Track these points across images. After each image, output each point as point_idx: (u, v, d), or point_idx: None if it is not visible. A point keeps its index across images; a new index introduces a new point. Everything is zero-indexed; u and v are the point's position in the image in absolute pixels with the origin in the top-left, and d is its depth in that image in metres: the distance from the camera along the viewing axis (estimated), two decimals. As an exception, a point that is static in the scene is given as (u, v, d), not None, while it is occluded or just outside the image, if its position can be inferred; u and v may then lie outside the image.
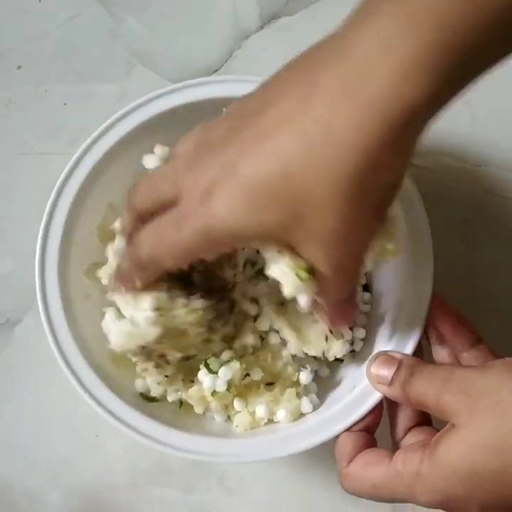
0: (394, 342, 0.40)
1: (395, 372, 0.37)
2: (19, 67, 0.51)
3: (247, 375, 0.42)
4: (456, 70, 0.25)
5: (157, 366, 0.40)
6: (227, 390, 0.41)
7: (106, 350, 0.42)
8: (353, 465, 0.37)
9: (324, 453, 0.46)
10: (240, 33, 0.51)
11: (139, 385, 0.43)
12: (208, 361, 0.41)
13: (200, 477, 0.47)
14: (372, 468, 0.36)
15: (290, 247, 0.31)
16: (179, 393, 0.42)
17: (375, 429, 0.40)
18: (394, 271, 0.43)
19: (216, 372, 0.40)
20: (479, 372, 0.34)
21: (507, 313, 0.49)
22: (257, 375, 0.42)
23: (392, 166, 0.27)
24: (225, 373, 0.40)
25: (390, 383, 0.37)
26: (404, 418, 0.39)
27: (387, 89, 0.24)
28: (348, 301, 0.36)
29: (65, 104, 0.51)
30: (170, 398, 0.43)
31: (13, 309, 0.49)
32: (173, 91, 0.42)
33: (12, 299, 0.49)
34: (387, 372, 0.37)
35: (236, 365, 0.40)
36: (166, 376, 0.41)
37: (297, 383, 0.42)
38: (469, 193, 0.50)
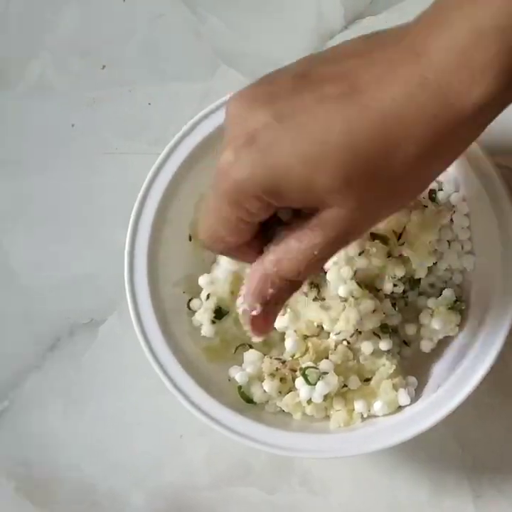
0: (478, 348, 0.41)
1: None
2: (103, 67, 0.51)
3: (345, 386, 0.41)
4: None
5: (281, 381, 0.40)
6: (324, 400, 0.40)
7: (195, 346, 0.42)
8: None
9: (409, 451, 0.46)
10: (324, 32, 0.50)
11: (239, 378, 0.42)
12: (306, 372, 0.40)
13: (283, 477, 0.47)
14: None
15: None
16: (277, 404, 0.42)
17: None
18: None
19: (313, 384, 0.40)
20: None
21: None
22: (354, 383, 0.41)
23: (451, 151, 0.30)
24: (322, 388, 0.40)
25: None
26: None
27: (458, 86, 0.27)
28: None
29: (149, 103, 0.51)
30: (268, 409, 0.42)
31: (97, 309, 0.49)
32: None
33: (97, 299, 0.49)
34: None
35: (334, 379, 0.40)
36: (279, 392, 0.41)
37: (395, 375, 0.41)
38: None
